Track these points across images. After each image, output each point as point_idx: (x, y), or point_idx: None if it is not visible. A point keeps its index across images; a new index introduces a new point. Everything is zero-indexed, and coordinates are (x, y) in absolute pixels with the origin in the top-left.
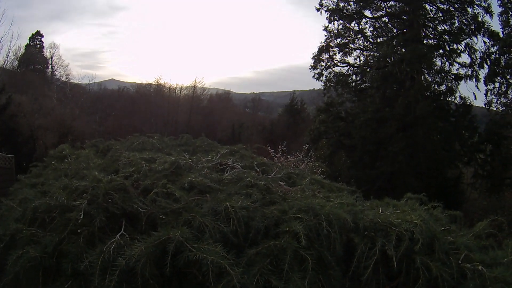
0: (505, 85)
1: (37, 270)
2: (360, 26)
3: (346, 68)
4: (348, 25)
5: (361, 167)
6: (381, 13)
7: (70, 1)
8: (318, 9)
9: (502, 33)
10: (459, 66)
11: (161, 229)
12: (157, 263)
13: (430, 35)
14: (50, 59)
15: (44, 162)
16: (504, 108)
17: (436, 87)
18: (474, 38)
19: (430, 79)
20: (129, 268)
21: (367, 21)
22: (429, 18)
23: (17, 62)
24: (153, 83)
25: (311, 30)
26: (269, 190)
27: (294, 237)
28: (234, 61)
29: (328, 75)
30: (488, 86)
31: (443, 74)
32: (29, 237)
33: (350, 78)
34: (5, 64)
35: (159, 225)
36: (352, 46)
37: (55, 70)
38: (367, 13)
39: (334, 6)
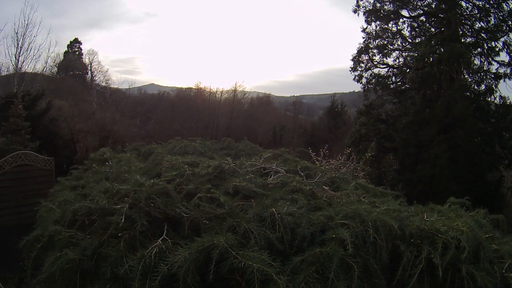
0: None
1: (74, 273)
2: (398, 27)
3: (386, 69)
4: (385, 25)
5: (402, 171)
6: (418, 12)
7: (106, 9)
8: (355, 11)
9: None
10: (498, 65)
11: (204, 234)
12: (199, 270)
13: (468, 33)
14: (89, 65)
15: (84, 165)
16: None
17: (475, 87)
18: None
19: (469, 79)
20: (171, 274)
21: (404, 21)
22: (466, 16)
23: (56, 69)
24: (193, 87)
25: (351, 32)
26: (314, 195)
27: (341, 245)
28: (275, 65)
29: (368, 77)
30: None
31: (482, 73)
32: (68, 239)
33: (389, 80)
34: (44, 70)
35: (203, 230)
36: (390, 47)
37: (95, 75)
38: (404, 12)
39: (371, 7)
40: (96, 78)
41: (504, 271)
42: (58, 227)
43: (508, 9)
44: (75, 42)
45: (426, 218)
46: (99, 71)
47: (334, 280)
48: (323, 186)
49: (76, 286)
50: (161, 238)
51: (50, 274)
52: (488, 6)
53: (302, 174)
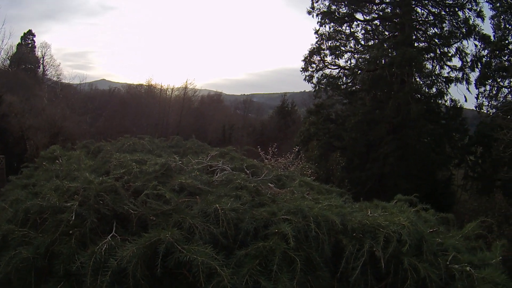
0: (496, 88)
1: (29, 271)
2: (352, 29)
3: (337, 70)
4: (339, 28)
5: (352, 169)
6: (372, 15)
7: (62, 0)
8: (309, 12)
9: (494, 36)
10: (450, 69)
11: (151, 230)
12: (148, 264)
13: (421, 38)
14: (42, 59)
15: (35, 163)
16: (494, 110)
17: (426, 90)
18: (465, 42)
19: (420, 82)
20: (121, 269)
21: (358, 24)
22: (420, 22)
23: (8, 61)
24: (144, 84)
25: (304, 33)
26: (258, 192)
27: (283, 239)
28: (226, 63)
29: (319, 77)
30: (479, 88)
31: (433, 77)
32: (21, 238)
33: (341, 81)
34: None
35: (150, 226)
36: (343, 48)
37: (46, 70)
38: (359, 16)
39: (325, 9)
40: (48, 73)
41: (448, 263)
42: (11, 226)
43: (464, 17)
44: (29, 34)
45: (370, 213)
46: (51, 65)
47: (277, 273)
48: (269, 184)
49: (31, 285)
50: (111, 234)
51: (5, 274)
52: (443, 13)
53: (248, 172)
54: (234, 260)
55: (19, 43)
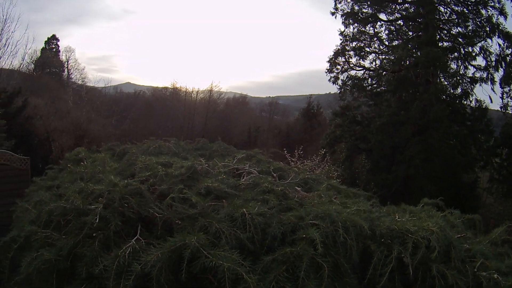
0: None
1: (51, 272)
2: (375, 30)
3: (362, 71)
4: (363, 28)
5: (377, 171)
6: (396, 15)
7: (84, 5)
8: (333, 13)
9: None
10: (475, 69)
11: (177, 234)
12: (172, 269)
13: (445, 38)
14: (66, 63)
15: (60, 164)
16: None
17: (451, 91)
18: (489, 40)
19: (445, 82)
20: (145, 273)
21: (382, 24)
22: (444, 21)
23: (33, 66)
24: (169, 86)
25: (329, 34)
26: (286, 196)
27: (311, 244)
28: (251, 65)
29: (344, 79)
30: (504, 88)
31: (458, 77)
32: (44, 239)
33: (365, 82)
34: (21, 67)
35: (175, 230)
36: (367, 49)
37: (71, 73)
38: (382, 16)
39: (349, 10)
40: (73, 76)
41: (476, 270)
42: (34, 227)
43: (487, 15)
44: (53, 39)
45: (398, 218)
46: (76, 68)
47: (304, 279)
48: (296, 187)
49: (53, 286)
50: (135, 238)
51: (27, 275)
52: (466, 12)
53: (274, 175)
54: (260, 266)
55: (43, 47)
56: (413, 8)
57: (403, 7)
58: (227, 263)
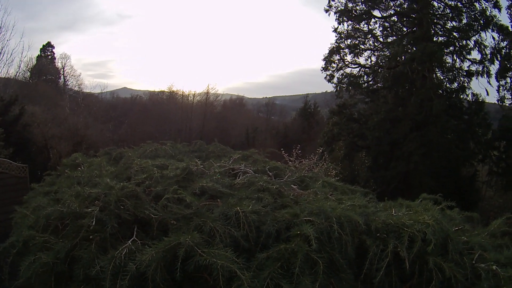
0: None
1: (49, 275)
2: (370, 27)
3: (358, 69)
4: (357, 25)
5: (376, 168)
6: (390, 12)
7: (78, 11)
8: (327, 11)
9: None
10: (470, 62)
11: (172, 234)
12: (168, 268)
13: (440, 33)
14: (62, 70)
15: (57, 170)
16: None
17: (448, 85)
18: (483, 34)
19: (442, 77)
20: (140, 273)
21: (376, 21)
22: (438, 16)
23: (29, 73)
24: (166, 90)
25: (323, 32)
26: (280, 194)
27: (305, 241)
28: (247, 67)
29: (340, 77)
30: (500, 81)
31: (454, 71)
32: (42, 243)
33: (362, 79)
34: (17, 75)
35: (171, 230)
36: (362, 46)
37: (67, 80)
38: (376, 13)
39: (342, 7)
40: (69, 83)
41: (474, 262)
42: (32, 232)
43: (480, 8)
44: (48, 46)
45: (394, 213)
46: (72, 75)
47: (299, 275)
48: (292, 185)
49: None
50: (131, 239)
51: (26, 278)
52: (460, 5)
53: (270, 174)
54: (255, 263)
55: (38, 55)
56: (406, 3)
57: (397, 3)
58: (221, 260)
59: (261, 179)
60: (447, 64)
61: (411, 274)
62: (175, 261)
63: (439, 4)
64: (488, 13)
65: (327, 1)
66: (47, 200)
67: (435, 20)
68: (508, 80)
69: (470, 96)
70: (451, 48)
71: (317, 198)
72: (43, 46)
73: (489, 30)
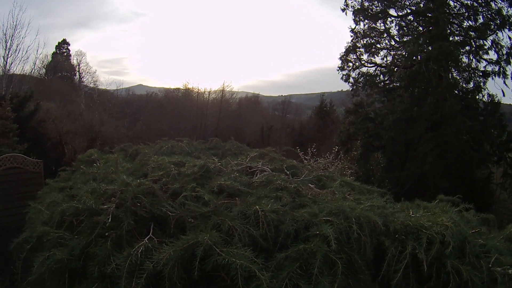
0: None
1: (63, 272)
2: (386, 26)
3: (374, 68)
4: (373, 25)
5: (391, 169)
6: (406, 11)
7: (93, 8)
8: (343, 10)
9: None
10: (487, 62)
11: (189, 232)
12: (185, 267)
13: (456, 32)
14: (77, 66)
15: (72, 166)
16: None
17: (463, 85)
18: (500, 34)
19: (457, 77)
20: (157, 272)
21: (392, 20)
22: (454, 15)
23: (44, 70)
24: (181, 87)
25: (340, 31)
26: (299, 193)
27: (324, 241)
28: (263, 65)
29: (356, 76)
30: None
31: (470, 71)
32: (56, 239)
33: (378, 78)
34: (33, 72)
35: (188, 228)
36: (378, 45)
37: (83, 77)
38: (392, 12)
39: (359, 6)
40: (84, 79)
41: (490, 265)
42: (46, 228)
43: (496, 7)
44: (63, 43)
45: (412, 214)
46: (87, 72)
47: (318, 276)
48: (309, 184)
49: (65, 286)
50: (148, 237)
51: (39, 274)
52: (476, 5)
53: (287, 172)
54: (273, 263)
55: (54, 52)
56: (423, 2)
57: (413, 2)
58: (240, 260)
59: (279, 177)
60: (463, 64)
61: (428, 276)
62: (192, 260)
63: (455, 3)
64: (504, 12)
65: (343, 0)
66: (62, 196)
67: (451, 20)
68: None
69: (485, 96)
70: (467, 47)
71: (335, 198)
72: (59, 43)
73: (506, 30)
